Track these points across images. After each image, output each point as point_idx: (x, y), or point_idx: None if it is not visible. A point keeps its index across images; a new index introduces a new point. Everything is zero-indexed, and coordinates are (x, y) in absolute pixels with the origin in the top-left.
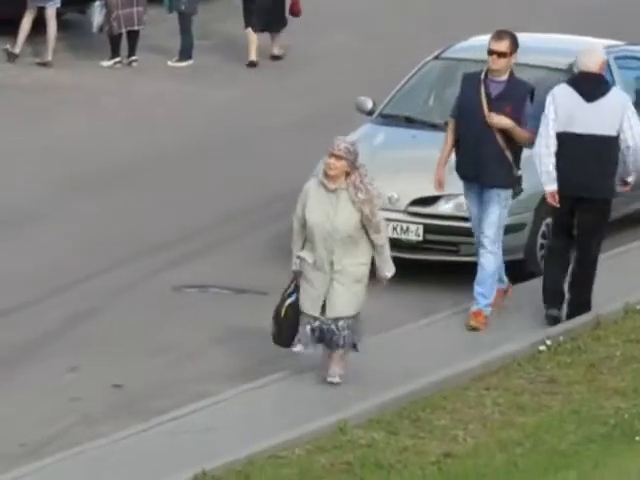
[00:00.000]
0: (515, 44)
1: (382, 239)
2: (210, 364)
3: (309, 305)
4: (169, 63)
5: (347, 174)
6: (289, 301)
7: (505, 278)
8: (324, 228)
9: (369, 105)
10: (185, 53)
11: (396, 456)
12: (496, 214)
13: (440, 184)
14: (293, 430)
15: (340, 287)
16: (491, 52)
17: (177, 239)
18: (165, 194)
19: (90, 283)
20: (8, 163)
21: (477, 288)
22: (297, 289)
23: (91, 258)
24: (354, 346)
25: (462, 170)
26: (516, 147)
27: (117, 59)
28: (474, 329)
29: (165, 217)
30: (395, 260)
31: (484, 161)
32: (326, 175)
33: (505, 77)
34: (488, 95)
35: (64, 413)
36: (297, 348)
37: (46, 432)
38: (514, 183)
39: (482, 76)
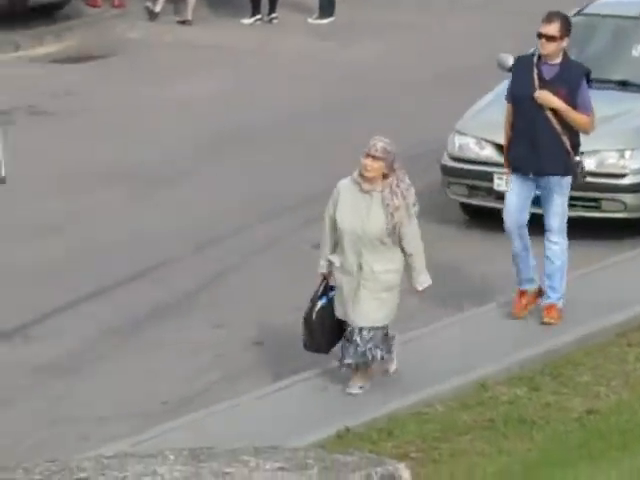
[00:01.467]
0: (567, 27)
1: (412, 248)
2: None
3: (342, 311)
4: (309, 20)
5: (384, 176)
6: (320, 304)
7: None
8: (354, 231)
9: (510, 62)
10: (326, 10)
11: (538, 412)
12: (558, 204)
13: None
14: (435, 387)
15: (367, 293)
16: (540, 35)
17: (320, 194)
18: (307, 150)
19: (232, 240)
20: (151, 120)
21: (547, 281)
22: (326, 291)
23: (233, 215)
24: (381, 359)
25: (517, 160)
26: (573, 132)
27: (257, 17)
28: (548, 324)
29: (309, 173)
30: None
31: (541, 148)
32: (362, 176)
33: (558, 60)
34: (541, 78)
35: (206, 370)
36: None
37: (188, 389)
38: (574, 170)
39: (535, 59)
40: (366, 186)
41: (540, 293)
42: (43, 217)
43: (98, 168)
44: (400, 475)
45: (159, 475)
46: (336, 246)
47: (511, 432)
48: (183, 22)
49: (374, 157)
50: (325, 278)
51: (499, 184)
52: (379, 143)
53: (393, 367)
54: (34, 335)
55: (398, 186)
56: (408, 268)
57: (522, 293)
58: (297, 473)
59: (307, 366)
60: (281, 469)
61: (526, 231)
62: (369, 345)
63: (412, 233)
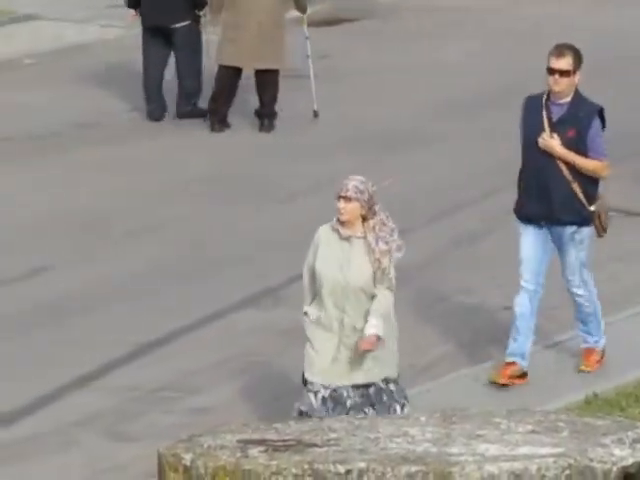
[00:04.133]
0: (579, 59)
1: (384, 293)
2: None
3: (316, 371)
4: None
5: (364, 219)
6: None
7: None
8: (335, 281)
9: None
10: None
11: None
12: (572, 256)
13: None
14: None
15: (348, 352)
16: (551, 71)
17: None
18: None
19: (475, 206)
20: (393, 85)
21: (580, 326)
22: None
23: (472, 180)
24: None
25: (526, 208)
26: (586, 180)
27: None
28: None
29: None
30: None
31: (551, 196)
32: (338, 221)
33: (569, 98)
34: (550, 120)
35: (454, 334)
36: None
37: (433, 354)
38: (589, 220)
39: (544, 99)
40: (344, 232)
41: (524, 376)
42: None
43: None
44: None
45: (410, 436)
46: (314, 298)
47: None
48: None
49: (346, 198)
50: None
51: None
52: (351, 182)
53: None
54: (282, 298)
55: (382, 230)
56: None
57: (509, 365)
58: (548, 436)
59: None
60: (532, 432)
61: (541, 289)
62: (392, 388)
63: (391, 280)
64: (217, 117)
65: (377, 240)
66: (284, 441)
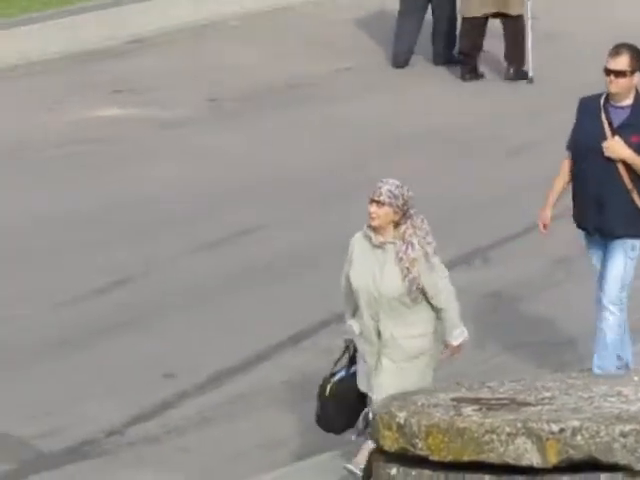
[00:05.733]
0: (637, 60)
1: (442, 302)
2: None
3: (365, 383)
4: None
5: (396, 224)
6: (338, 377)
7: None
8: (368, 291)
9: None
10: None
11: None
12: (620, 267)
13: (545, 227)
14: None
15: (389, 364)
16: (608, 71)
17: None
18: None
19: None
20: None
21: (595, 360)
22: (349, 363)
23: None
24: None
25: (581, 219)
26: None
27: None
28: None
29: None
30: None
31: (607, 206)
32: (370, 226)
33: (630, 101)
34: (610, 124)
35: None
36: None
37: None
38: None
39: (602, 101)
40: (376, 238)
41: None
42: None
43: None
44: None
45: (624, 396)
46: (356, 310)
47: None
48: None
49: (378, 202)
50: (347, 347)
51: None
52: (384, 186)
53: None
54: (492, 258)
55: (413, 235)
56: (441, 322)
57: None
58: None
59: None
60: None
61: None
62: None
63: (436, 286)
64: (468, 67)
65: (407, 247)
66: (498, 400)
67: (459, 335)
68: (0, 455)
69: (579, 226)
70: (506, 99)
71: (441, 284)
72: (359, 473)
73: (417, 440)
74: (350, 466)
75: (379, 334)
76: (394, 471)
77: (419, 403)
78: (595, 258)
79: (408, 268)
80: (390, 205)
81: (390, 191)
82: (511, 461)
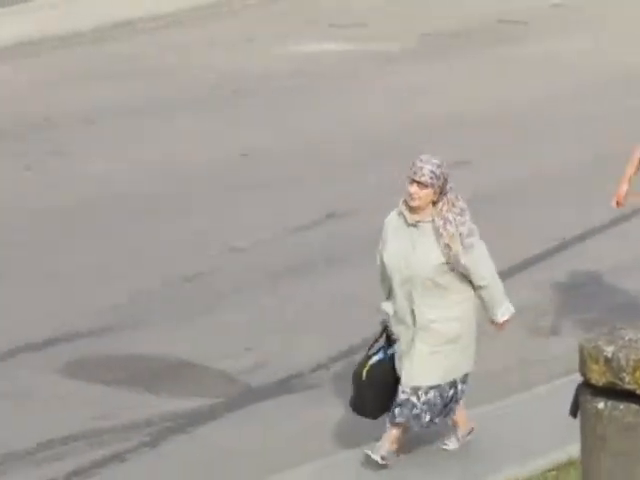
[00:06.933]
0: None
1: (482, 279)
2: None
3: (400, 367)
4: None
5: (434, 203)
6: (374, 359)
7: None
8: (401, 271)
9: None
10: None
11: None
12: None
13: (619, 203)
14: None
15: (423, 347)
16: None
17: None
18: None
19: None
20: None
21: None
22: (387, 344)
23: None
24: (427, 426)
25: None
26: None
27: None
28: None
29: None
30: None
31: None
32: (407, 205)
33: None
34: None
35: None
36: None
37: None
38: None
39: None
40: (412, 217)
41: None
42: None
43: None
44: None
45: None
46: (391, 292)
47: None
48: None
49: (420, 183)
50: (386, 328)
51: None
52: (426, 166)
53: (452, 444)
54: None
55: (449, 211)
56: (482, 303)
57: None
58: None
59: None
60: None
61: None
62: (424, 407)
63: (476, 263)
64: None
65: (445, 223)
66: None
67: (505, 311)
68: (206, 389)
69: None
70: None
71: (482, 261)
72: (380, 460)
73: (624, 374)
74: (369, 452)
75: (413, 317)
76: (601, 405)
77: (627, 337)
78: None
79: (448, 245)
80: (432, 186)
81: (432, 172)
82: None
